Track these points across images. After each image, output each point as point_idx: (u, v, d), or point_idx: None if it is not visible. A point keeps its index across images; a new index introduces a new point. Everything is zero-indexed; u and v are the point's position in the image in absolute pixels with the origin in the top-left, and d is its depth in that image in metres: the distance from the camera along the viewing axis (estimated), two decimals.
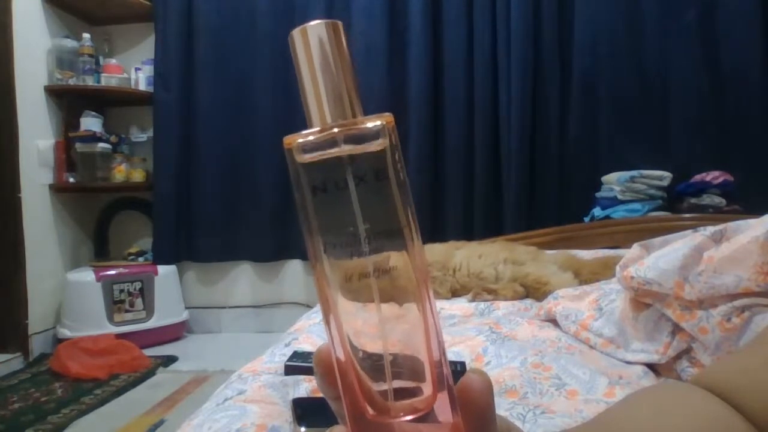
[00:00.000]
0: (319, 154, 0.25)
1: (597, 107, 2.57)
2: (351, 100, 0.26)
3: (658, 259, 0.83)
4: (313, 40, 0.26)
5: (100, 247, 3.10)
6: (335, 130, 0.25)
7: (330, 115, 0.26)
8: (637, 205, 2.23)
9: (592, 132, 2.57)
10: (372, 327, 0.25)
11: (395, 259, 0.25)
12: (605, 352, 0.90)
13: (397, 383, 0.25)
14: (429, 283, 0.26)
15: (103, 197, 3.11)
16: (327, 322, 0.25)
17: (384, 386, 0.25)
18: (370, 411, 0.25)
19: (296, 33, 0.26)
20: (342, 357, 0.25)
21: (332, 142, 0.25)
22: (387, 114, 0.25)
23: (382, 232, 0.24)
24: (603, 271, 1.42)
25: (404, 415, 0.25)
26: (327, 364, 0.25)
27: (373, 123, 0.25)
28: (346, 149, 0.25)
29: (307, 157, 0.25)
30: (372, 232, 0.24)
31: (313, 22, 0.26)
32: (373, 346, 0.25)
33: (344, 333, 0.25)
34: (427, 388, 0.25)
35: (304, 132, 0.25)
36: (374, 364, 0.25)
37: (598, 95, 2.56)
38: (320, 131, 0.25)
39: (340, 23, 0.26)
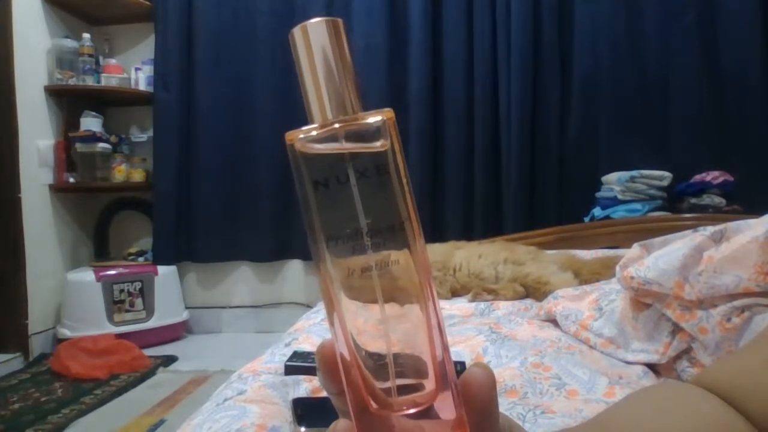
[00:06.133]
0: (321, 149, 0.25)
1: (597, 107, 2.57)
2: (351, 97, 0.26)
3: (658, 259, 0.83)
4: (313, 38, 0.26)
5: (100, 247, 3.10)
6: (336, 125, 0.25)
7: (331, 111, 0.26)
8: (637, 205, 2.23)
9: (592, 132, 2.57)
10: (375, 326, 0.25)
11: (397, 253, 0.25)
12: (605, 352, 0.90)
13: (400, 381, 0.25)
14: (432, 278, 0.26)
15: (103, 197, 3.11)
16: (331, 321, 0.25)
17: (387, 384, 0.25)
18: (373, 405, 0.25)
19: (297, 30, 0.26)
20: (346, 354, 0.25)
21: (333, 138, 0.25)
22: (387, 109, 0.25)
23: (384, 227, 0.25)
24: (603, 271, 1.42)
25: (407, 408, 0.25)
26: (330, 360, 0.25)
27: (373, 118, 0.25)
28: (347, 144, 0.25)
29: (309, 153, 0.25)
30: (374, 226, 0.24)
31: (313, 20, 0.26)
32: (376, 345, 0.25)
33: (348, 331, 0.25)
34: (429, 384, 0.25)
35: (306, 128, 0.25)
36: (377, 363, 0.25)
37: (598, 95, 2.56)
38: (321, 127, 0.25)
39: (340, 20, 0.26)
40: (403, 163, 0.25)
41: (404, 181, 0.25)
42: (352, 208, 0.24)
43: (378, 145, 0.25)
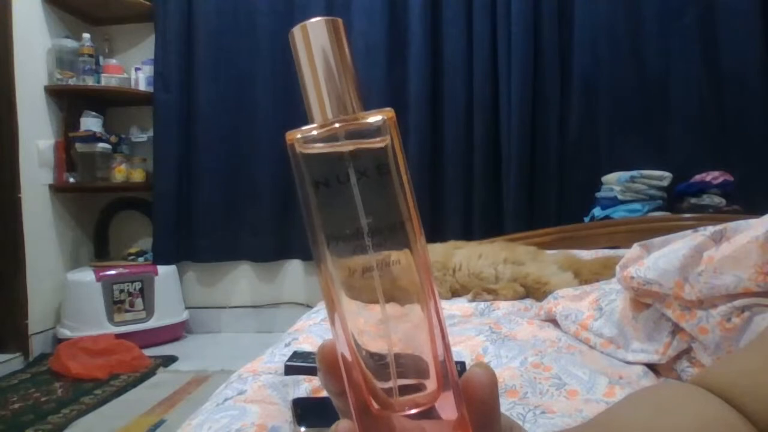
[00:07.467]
0: (321, 149, 0.25)
1: (597, 107, 2.57)
2: (351, 96, 0.26)
3: (658, 259, 0.83)
4: (313, 37, 0.26)
5: (100, 247, 3.10)
6: (336, 125, 0.25)
7: (331, 111, 0.26)
8: (637, 205, 2.23)
9: (592, 132, 2.57)
10: (376, 326, 0.25)
11: (398, 253, 0.25)
12: (605, 352, 0.90)
13: (401, 381, 0.25)
14: (432, 277, 0.26)
15: (103, 197, 3.11)
16: (332, 321, 0.25)
17: (388, 384, 0.25)
18: (375, 405, 0.25)
19: (296, 30, 0.26)
20: (347, 354, 0.25)
21: (333, 137, 0.25)
22: (388, 109, 0.25)
23: (385, 226, 0.25)
24: (603, 271, 1.42)
25: (408, 409, 0.25)
26: (331, 360, 0.25)
27: (374, 118, 0.25)
28: (347, 144, 0.25)
29: (309, 152, 0.25)
30: (374, 226, 0.24)
31: (313, 19, 0.26)
32: (377, 345, 0.25)
33: (349, 331, 0.25)
34: (430, 384, 0.25)
35: (306, 127, 0.25)
36: (377, 363, 0.25)
37: (598, 95, 2.56)
38: (322, 126, 0.25)
39: (340, 20, 0.26)
40: (404, 163, 0.25)
41: (405, 180, 0.25)
42: (352, 208, 0.24)
43: (378, 144, 0.25)
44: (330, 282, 0.25)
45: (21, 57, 2.58)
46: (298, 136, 0.25)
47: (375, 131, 0.25)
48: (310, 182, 0.25)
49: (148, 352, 2.56)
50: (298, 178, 0.25)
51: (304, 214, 0.25)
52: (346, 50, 0.26)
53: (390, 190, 0.25)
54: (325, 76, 0.26)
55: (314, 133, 0.25)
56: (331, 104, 0.26)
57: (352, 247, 0.24)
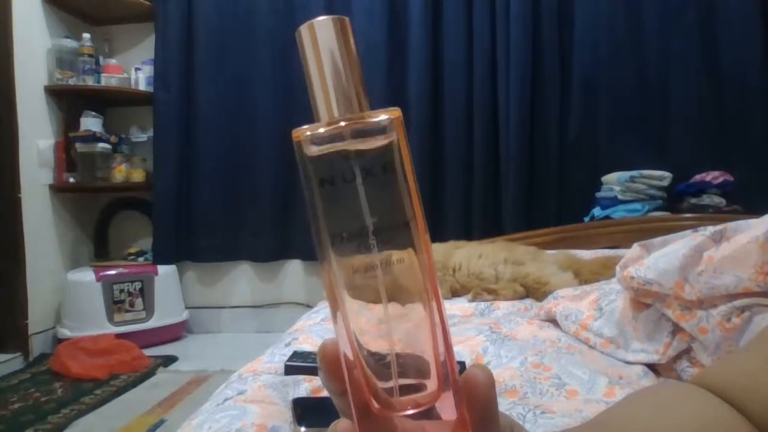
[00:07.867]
0: (327, 147, 0.25)
1: (597, 107, 2.57)
2: (358, 95, 0.26)
3: (658, 259, 0.83)
4: (320, 36, 0.26)
5: (100, 247, 3.10)
6: (343, 123, 0.25)
7: (337, 109, 0.26)
8: (637, 205, 2.23)
9: (592, 132, 2.57)
10: (377, 325, 0.25)
11: (402, 253, 0.25)
12: (605, 352, 0.90)
13: (402, 381, 0.25)
14: (436, 277, 0.26)
15: (103, 197, 3.11)
16: (335, 320, 0.25)
17: (389, 384, 0.25)
18: (375, 405, 0.25)
19: (304, 29, 0.26)
20: (349, 354, 0.25)
21: (340, 136, 0.25)
22: (394, 108, 0.25)
23: (389, 226, 0.25)
24: (603, 271, 1.42)
25: (409, 409, 0.25)
26: (332, 359, 0.25)
27: (380, 117, 0.25)
28: (353, 143, 0.25)
29: (315, 150, 0.25)
30: (379, 225, 0.24)
31: (320, 18, 0.26)
32: (379, 345, 0.25)
33: (351, 330, 0.25)
34: (431, 384, 0.25)
35: (312, 125, 0.25)
36: (378, 362, 0.25)
37: (598, 95, 2.56)
38: (328, 124, 0.25)
39: (347, 19, 0.26)
40: (410, 162, 0.25)
41: (410, 180, 0.25)
42: (357, 207, 0.24)
43: (384, 143, 0.25)
44: (333, 280, 0.25)
45: (21, 57, 2.58)
46: (305, 134, 0.25)
47: (381, 130, 0.25)
48: (316, 180, 0.25)
49: (148, 352, 2.56)
50: (303, 176, 0.25)
51: (309, 212, 0.25)
52: (353, 49, 0.26)
53: (395, 190, 0.25)
54: (332, 74, 0.26)
55: (321, 131, 0.25)
56: (337, 103, 0.26)
57: (356, 245, 0.24)
